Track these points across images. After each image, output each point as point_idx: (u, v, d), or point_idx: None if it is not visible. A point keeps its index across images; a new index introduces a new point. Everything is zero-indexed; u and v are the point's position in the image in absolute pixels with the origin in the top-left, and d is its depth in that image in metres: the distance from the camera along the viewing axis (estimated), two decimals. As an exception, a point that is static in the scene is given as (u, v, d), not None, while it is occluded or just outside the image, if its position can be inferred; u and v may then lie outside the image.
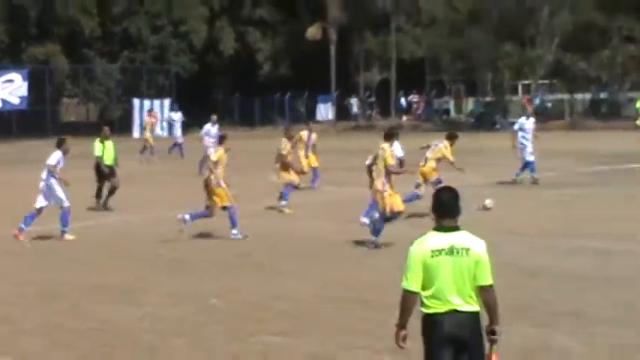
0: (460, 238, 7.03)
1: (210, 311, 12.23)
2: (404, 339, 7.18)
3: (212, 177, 18.04)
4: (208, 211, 18.31)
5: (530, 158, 26.35)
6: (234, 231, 18.08)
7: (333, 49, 66.36)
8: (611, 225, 18.43)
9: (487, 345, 7.08)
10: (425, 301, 7.04)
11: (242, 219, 19.35)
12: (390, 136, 17.43)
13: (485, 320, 7.09)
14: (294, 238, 18.27)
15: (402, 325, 7.16)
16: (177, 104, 50.58)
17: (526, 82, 68.77)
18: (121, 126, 57.23)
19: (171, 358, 10.35)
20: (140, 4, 65.25)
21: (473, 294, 6.99)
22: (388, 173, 16.65)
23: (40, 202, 18.69)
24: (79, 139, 35.78)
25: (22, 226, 18.57)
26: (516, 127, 27.23)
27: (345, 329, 11.06)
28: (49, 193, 18.66)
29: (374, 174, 16.92)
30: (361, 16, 66.99)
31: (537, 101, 65.26)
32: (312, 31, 67.27)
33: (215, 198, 18.06)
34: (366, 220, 17.57)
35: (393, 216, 16.83)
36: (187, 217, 18.03)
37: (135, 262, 16.09)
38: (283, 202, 22.22)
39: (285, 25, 70.81)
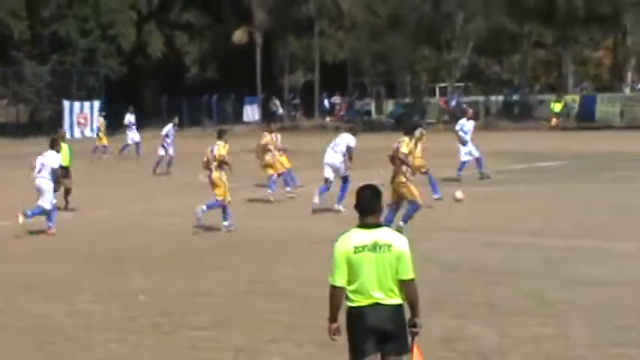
0: (382, 235, 7.09)
1: (138, 306, 12.16)
2: (335, 332, 7.24)
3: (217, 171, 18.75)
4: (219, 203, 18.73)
5: (465, 158, 26.83)
6: (226, 223, 18.52)
7: (258, 52, 66.30)
8: (524, 220, 18.71)
9: (410, 337, 7.15)
10: (350, 295, 7.09)
11: (172, 217, 19.41)
12: (410, 129, 17.91)
13: (408, 313, 7.15)
14: (221, 235, 18.24)
15: (332, 318, 7.22)
16: (107, 105, 50.14)
17: (443, 84, 69.46)
18: (51, 127, 56.49)
19: (100, 352, 10.26)
20: (69, 7, 64.43)
21: (395, 288, 7.05)
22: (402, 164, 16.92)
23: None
24: (8, 140, 35.24)
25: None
26: (457, 127, 27.84)
27: (270, 322, 11.07)
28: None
29: (396, 169, 17.03)
30: (285, 20, 67.05)
31: (453, 103, 65.87)
32: (239, 35, 67.11)
33: (216, 190, 18.68)
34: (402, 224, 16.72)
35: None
36: (204, 207, 18.61)
37: (72, 260, 15.97)
38: (269, 191, 23.41)
39: (212, 29, 70.54)
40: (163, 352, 10.14)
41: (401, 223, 16.72)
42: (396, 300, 7.07)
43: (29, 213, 18.65)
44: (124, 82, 65.40)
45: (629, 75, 65.31)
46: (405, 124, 18.17)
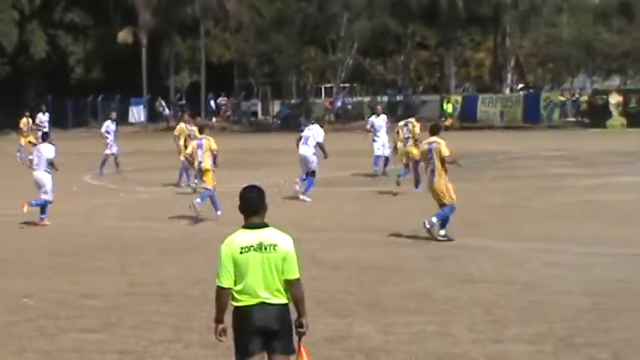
0: (268, 235, 7.09)
1: (23, 310, 11.90)
2: (222, 333, 7.22)
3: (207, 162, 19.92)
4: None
5: (377, 152, 28.21)
6: (219, 212, 19.33)
7: (144, 52, 65.66)
8: (407, 219, 18.91)
9: (296, 337, 7.17)
10: (236, 295, 7.07)
11: (56, 218, 19.11)
12: (436, 129, 17.45)
13: (294, 313, 7.16)
14: (105, 236, 18.00)
15: (219, 319, 7.20)
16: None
17: (329, 85, 69.92)
18: None
19: (-17, 358, 10.01)
20: (-52, 6, 62.85)
21: (281, 287, 7.05)
22: (443, 163, 16.57)
23: None
24: None
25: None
26: (368, 125, 29.35)
27: (155, 324, 10.95)
28: None
29: (435, 171, 16.60)
30: (171, 20, 66.53)
31: (339, 103, 66.44)
32: (123, 36, 66.40)
33: (204, 178, 19.97)
34: (433, 221, 16.36)
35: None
36: (198, 200, 19.62)
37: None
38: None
39: (97, 29, 69.62)
40: (48, 357, 9.94)
41: (434, 220, 16.29)
42: (282, 300, 7.08)
43: (33, 202, 19.52)
44: (7, 82, 64.01)
45: (509, 76, 66.71)
46: (432, 126, 17.46)
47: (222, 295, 7.11)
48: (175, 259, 15.39)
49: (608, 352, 9.37)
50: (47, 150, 19.64)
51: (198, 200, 19.50)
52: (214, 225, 18.49)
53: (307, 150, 22.69)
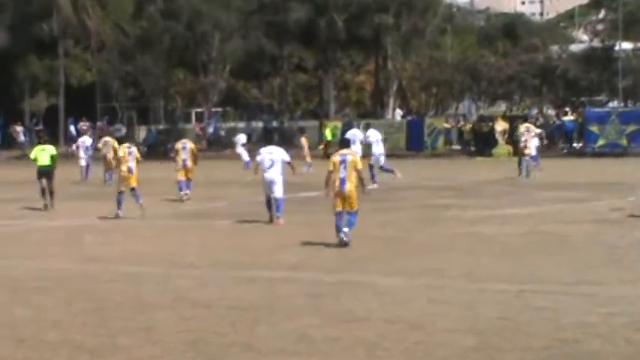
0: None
1: None
2: None
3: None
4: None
5: None
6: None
7: (-4, 73, 64.40)
8: (283, 253, 18.90)
9: None
10: None
11: None
12: (347, 142, 22.99)
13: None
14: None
15: None
16: None
17: (199, 109, 69.73)
18: None
19: None
20: None
21: None
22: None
23: None
24: None
25: None
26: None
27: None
28: None
29: (346, 178, 19.56)
30: (26, 39, 65.37)
31: (211, 129, 66.26)
32: (-28, 55, 65.01)
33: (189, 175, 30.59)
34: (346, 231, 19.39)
35: None
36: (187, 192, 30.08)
37: None
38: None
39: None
40: None
41: (346, 230, 19.37)
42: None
43: None
44: None
45: (391, 101, 67.60)
46: (342, 140, 21.23)
47: None
48: (27, 299, 14.99)
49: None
50: None
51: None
52: (71, 263, 18.18)
53: (275, 174, 24.24)
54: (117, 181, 27.95)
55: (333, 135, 59.92)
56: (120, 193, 26.13)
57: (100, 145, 40.60)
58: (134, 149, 27.06)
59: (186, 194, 30.36)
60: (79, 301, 14.31)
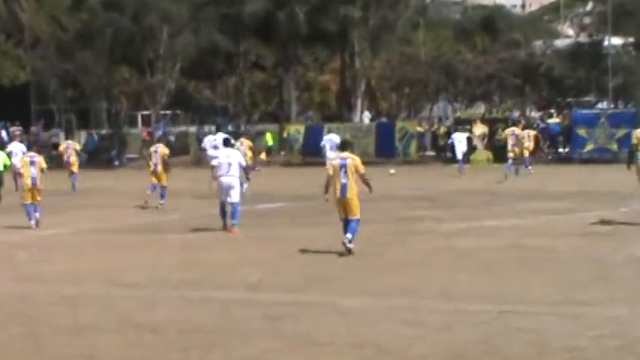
0: None
1: None
2: None
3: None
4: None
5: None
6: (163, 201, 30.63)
7: None
8: (238, 271, 18.89)
9: None
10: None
11: None
12: (347, 145, 22.46)
13: None
14: None
15: None
16: None
17: (146, 112, 69.45)
18: None
19: None
20: None
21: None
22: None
23: None
24: None
25: None
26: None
27: None
28: None
29: (347, 184, 20.43)
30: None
31: (159, 134, 65.96)
32: None
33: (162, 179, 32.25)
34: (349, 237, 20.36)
35: None
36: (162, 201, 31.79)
37: None
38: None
39: None
40: None
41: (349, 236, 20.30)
42: None
43: None
44: None
45: (359, 102, 67.42)
46: (342, 142, 24.11)
47: None
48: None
49: None
50: None
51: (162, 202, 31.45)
52: (3, 282, 18.11)
53: (232, 178, 24.95)
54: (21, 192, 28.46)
55: (275, 140, 59.98)
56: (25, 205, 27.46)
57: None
58: (39, 158, 28.29)
59: (161, 204, 32.00)
60: (13, 325, 14.25)
